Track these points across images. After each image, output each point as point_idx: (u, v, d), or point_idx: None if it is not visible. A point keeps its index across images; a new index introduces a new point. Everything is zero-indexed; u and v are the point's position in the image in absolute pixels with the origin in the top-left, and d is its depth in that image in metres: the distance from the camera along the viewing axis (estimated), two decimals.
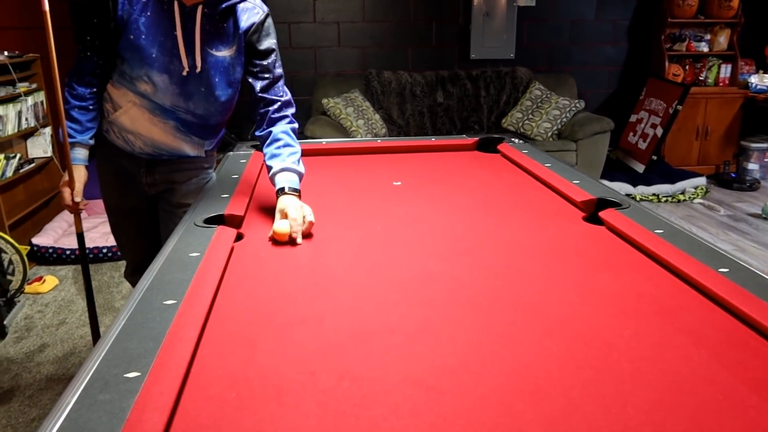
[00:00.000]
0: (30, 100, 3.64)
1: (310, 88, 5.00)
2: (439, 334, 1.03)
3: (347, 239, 1.50)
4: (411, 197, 1.84)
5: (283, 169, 1.63)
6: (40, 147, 3.82)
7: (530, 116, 4.93)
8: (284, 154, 1.68)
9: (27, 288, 3.23)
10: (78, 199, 1.82)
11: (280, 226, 1.46)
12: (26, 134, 3.72)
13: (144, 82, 1.69)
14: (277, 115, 1.75)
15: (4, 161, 3.40)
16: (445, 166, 2.22)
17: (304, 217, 1.48)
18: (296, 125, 1.78)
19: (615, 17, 5.41)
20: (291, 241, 1.45)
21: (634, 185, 4.75)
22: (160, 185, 1.94)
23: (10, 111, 3.43)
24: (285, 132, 1.72)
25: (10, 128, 3.45)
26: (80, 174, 1.82)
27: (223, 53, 1.69)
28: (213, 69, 1.70)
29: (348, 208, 1.75)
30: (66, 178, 1.81)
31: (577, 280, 1.24)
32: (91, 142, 1.83)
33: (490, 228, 1.57)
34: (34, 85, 3.72)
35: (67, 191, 1.82)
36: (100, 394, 0.82)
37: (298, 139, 1.78)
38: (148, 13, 1.61)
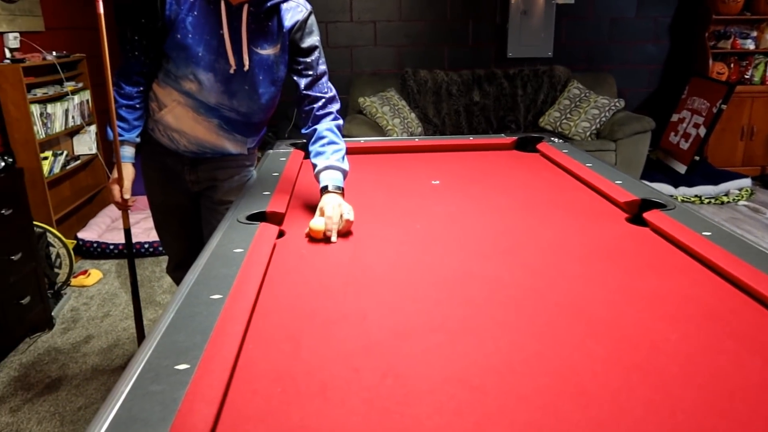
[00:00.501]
0: (76, 98, 3.74)
1: (347, 87, 5.02)
2: (482, 334, 1.03)
3: (388, 237, 1.50)
4: (450, 196, 1.83)
5: (327, 167, 1.65)
6: (86, 144, 3.93)
7: (568, 115, 4.85)
8: (328, 151, 1.69)
9: (73, 281, 3.33)
10: (127, 196, 1.87)
11: (316, 223, 1.47)
12: (73, 132, 3.83)
13: (189, 80, 1.72)
14: (321, 112, 1.76)
15: (52, 158, 3.50)
16: (483, 165, 2.21)
17: (341, 215, 1.49)
18: (341, 122, 1.79)
19: (656, 14, 5.29)
20: (327, 239, 1.47)
21: (676, 186, 4.64)
22: (203, 182, 1.97)
23: (57, 109, 3.54)
24: (329, 129, 1.74)
25: (58, 126, 3.56)
26: (128, 172, 1.87)
27: (268, 51, 1.72)
28: (257, 67, 1.72)
29: (387, 206, 1.75)
30: (115, 175, 1.86)
31: (621, 281, 1.22)
32: (138, 140, 1.88)
33: (532, 228, 1.55)
34: (80, 84, 3.83)
35: (116, 188, 1.87)
36: (152, 384, 0.84)
37: None
38: (195, 13, 1.64)
